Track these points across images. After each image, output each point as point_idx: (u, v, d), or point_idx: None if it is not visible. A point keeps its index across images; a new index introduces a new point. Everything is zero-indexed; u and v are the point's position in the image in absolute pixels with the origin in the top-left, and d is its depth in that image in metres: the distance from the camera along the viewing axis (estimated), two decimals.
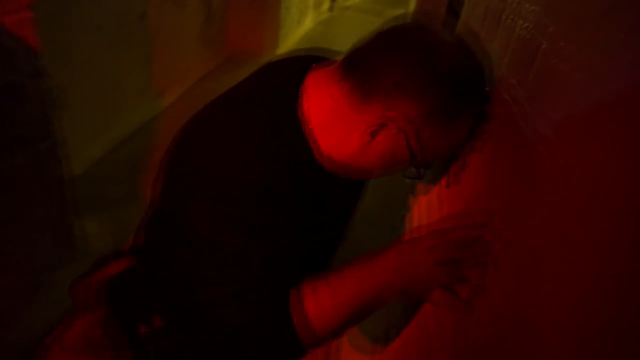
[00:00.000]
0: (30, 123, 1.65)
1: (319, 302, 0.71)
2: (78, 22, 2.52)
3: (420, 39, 0.69)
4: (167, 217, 0.83)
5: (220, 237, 0.69)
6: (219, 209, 0.68)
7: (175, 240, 0.79)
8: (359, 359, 1.36)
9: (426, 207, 1.16)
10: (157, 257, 0.89)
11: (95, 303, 0.95)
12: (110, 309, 0.93)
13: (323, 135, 0.74)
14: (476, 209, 0.79)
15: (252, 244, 0.69)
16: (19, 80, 1.56)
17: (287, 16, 5.71)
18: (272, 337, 0.72)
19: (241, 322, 0.72)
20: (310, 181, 0.75)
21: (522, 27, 0.74)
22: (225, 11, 5.00)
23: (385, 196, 2.01)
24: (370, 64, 0.69)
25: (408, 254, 0.71)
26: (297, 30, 6.36)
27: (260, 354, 0.74)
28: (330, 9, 8.00)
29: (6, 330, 1.70)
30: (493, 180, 0.75)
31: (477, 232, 0.68)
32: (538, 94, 0.62)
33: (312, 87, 0.75)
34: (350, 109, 0.71)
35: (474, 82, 0.72)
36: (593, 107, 0.47)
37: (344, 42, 0.98)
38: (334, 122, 0.73)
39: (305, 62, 0.80)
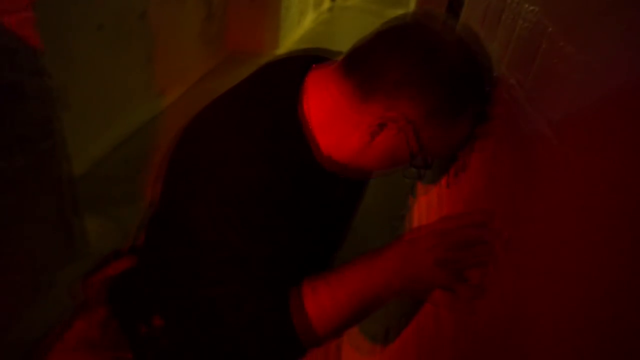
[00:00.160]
0: (31, 123, 1.66)
1: (319, 302, 0.71)
2: (79, 21, 2.52)
3: (420, 38, 0.68)
4: (167, 216, 0.83)
5: (220, 237, 0.69)
6: (219, 209, 0.68)
7: (175, 240, 0.79)
8: (359, 359, 1.36)
9: (426, 207, 1.16)
10: (157, 256, 0.89)
11: (96, 303, 0.95)
12: (111, 309, 0.93)
13: (323, 135, 0.74)
14: (476, 209, 0.79)
15: (252, 244, 0.69)
16: (20, 79, 1.56)
17: (287, 16, 5.71)
18: (272, 337, 0.72)
19: (241, 322, 0.72)
20: (311, 181, 0.75)
21: (522, 27, 0.74)
22: (226, 10, 5.00)
23: (386, 196, 2.01)
24: (370, 64, 0.69)
25: (408, 254, 0.71)
26: (297, 30, 6.36)
27: (260, 354, 0.74)
28: (330, 9, 8.01)
29: (6, 330, 1.70)
30: (493, 180, 0.75)
31: (477, 232, 0.68)
32: (538, 94, 0.62)
33: (313, 87, 0.75)
34: (350, 109, 0.71)
35: (474, 82, 0.71)
36: (593, 107, 0.47)
37: (344, 42, 0.98)
38: (333, 122, 0.73)
39: (305, 61, 0.80)
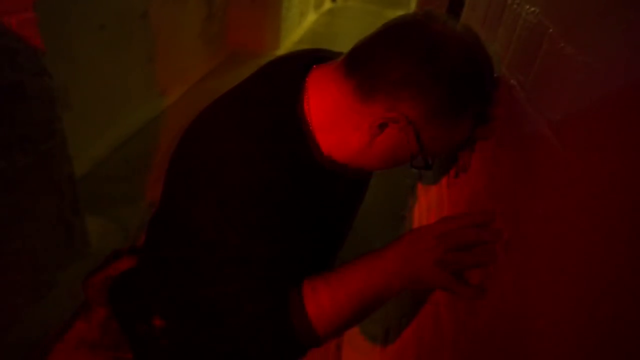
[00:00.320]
0: (32, 123, 1.66)
1: (318, 302, 0.71)
2: (80, 21, 2.53)
3: (420, 38, 0.67)
4: (167, 217, 0.83)
5: (220, 237, 0.69)
6: (220, 209, 0.68)
7: (175, 240, 0.79)
8: (359, 359, 1.36)
9: (426, 208, 1.16)
10: (157, 256, 0.89)
11: (96, 303, 0.95)
12: (111, 309, 0.93)
13: (323, 135, 0.74)
14: (476, 209, 0.79)
15: (252, 244, 0.69)
16: (21, 79, 1.56)
17: (288, 16, 5.72)
18: (272, 337, 0.72)
19: (241, 322, 0.73)
20: (311, 181, 0.75)
21: (522, 27, 0.74)
22: (226, 10, 5.01)
23: (386, 197, 2.01)
24: (370, 64, 0.69)
25: (408, 254, 0.71)
26: (297, 30, 6.37)
27: (260, 354, 0.74)
28: (331, 10, 8.01)
29: (6, 330, 1.70)
30: (493, 180, 0.75)
31: (478, 233, 0.68)
32: (538, 94, 0.62)
33: (313, 87, 0.75)
34: (351, 109, 0.71)
35: (475, 82, 0.71)
36: (593, 107, 0.47)
37: (344, 42, 0.98)
38: (334, 123, 0.73)
39: (306, 61, 0.79)
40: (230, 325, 0.75)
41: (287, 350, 0.74)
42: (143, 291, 0.93)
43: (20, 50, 1.53)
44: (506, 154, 0.71)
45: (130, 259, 1.03)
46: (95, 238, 2.13)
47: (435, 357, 0.85)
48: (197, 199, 0.71)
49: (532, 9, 0.70)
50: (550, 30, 0.61)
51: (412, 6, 6.39)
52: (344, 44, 0.88)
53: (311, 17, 7.24)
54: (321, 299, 0.71)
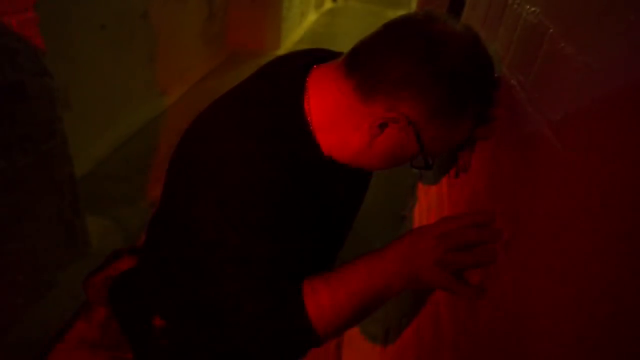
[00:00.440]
0: (33, 123, 1.66)
1: (318, 301, 0.71)
2: (80, 21, 2.53)
3: (421, 38, 0.67)
4: (168, 216, 0.83)
5: (220, 237, 0.69)
6: (220, 209, 0.68)
7: (176, 239, 0.79)
8: (359, 359, 1.36)
9: (427, 208, 1.16)
10: (157, 256, 0.90)
11: (96, 303, 0.95)
12: (111, 309, 0.93)
13: (324, 134, 0.74)
14: (477, 209, 0.79)
15: (252, 244, 0.69)
16: (22, 79, 1.57)
17: (289, 16, 5.72)
18: (272, 337, 0.72)
19: (241, 322, 0.73)
20: (311, 181, 0.75)
21: (523, 28, 0.74)
22: (227, 10, 5.01)
23: (387, 197, 2.01)
24: (370, 64, 0.69)
25: (408, 254, 0.71)
26: (298, 30, 6.37)
27: (260, 354, 0.75)
28: (331, 10, 8.03)
29: (6, 330, 1.70)
30: (493, 180, 0.75)
31: (478, 233, 0.68)
32: (539, 94, 0.62)
33: (314, 87, 0.75)
34: (351, 109, 0.71)
35: (475, 82, 0.71)
36: (593, 107, 0.47)
37: (344, 42, 0.98)
38: (334, 122, 0.73)
39: (306, 61, 0.79)
40: (230, 325, 0.75)
41: (287, 350, 0.74)
42: (143, 291, 0.93)
43: (21, 50, 1.53)
44: (506, 154, 0.71)
45: (131, 259, 1.03)
46: (96, 238, 2.13)
47: (435, 357, 0.85)
48: (197, 199, 0.71)
49: (533, 9, 0.70)
50: (551, 30, 0.61)
51: (413, 6, 6.40)
52: (344, 44, 0.87)
53: (312, 17, 7.24)
54: (321, 299, 0.71)
